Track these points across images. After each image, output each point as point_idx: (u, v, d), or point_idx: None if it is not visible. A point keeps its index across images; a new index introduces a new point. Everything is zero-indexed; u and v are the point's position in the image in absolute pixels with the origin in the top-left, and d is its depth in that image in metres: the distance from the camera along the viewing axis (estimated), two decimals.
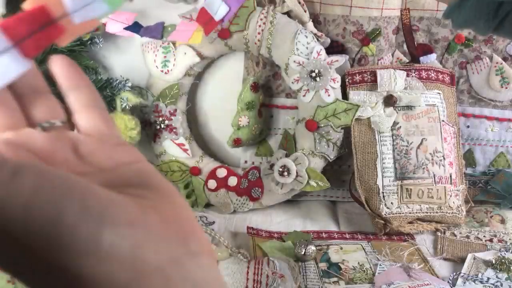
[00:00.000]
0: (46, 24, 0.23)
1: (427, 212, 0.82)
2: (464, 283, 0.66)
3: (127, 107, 0.81)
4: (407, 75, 0.86)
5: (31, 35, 0.22)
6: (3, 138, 0.24)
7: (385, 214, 0.82)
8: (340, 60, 0.85)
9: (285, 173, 0.86)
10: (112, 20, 0.78)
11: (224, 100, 0.96)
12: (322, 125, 0.85)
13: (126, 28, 0.78)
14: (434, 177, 0.82)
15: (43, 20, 0.23)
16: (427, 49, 0.91)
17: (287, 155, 0.88)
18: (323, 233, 0.84)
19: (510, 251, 0.72)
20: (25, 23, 0.22)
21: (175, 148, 0.91)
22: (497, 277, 0.67)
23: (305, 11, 0.86)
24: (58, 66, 0.27)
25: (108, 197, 0.20)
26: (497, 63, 0.91)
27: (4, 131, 0.24)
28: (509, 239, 0.78)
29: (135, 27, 0.79)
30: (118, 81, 0.85)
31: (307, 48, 0.84)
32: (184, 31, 0.74)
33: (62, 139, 0.25)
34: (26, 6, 0.23)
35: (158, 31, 0.78)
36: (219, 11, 0.57)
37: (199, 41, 0.70)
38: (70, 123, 0.27)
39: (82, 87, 0.27)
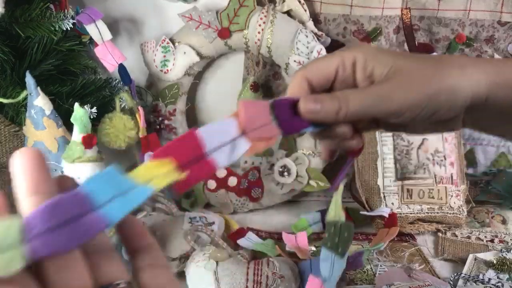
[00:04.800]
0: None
1: (428, 213, 0.81)
2: (465, 283, 0.66)
3: (126, 107, 0.81)
4: None
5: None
6: None
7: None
8: None
9: (285, 173, 0.86)
10: (104, 49, 0.78)
11: (224, 100, 0.96)
12: None
13: (119, 72, 0.81)
14: (435, 177, 0.81)
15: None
16: (428, 49, 0.90)
17: (287, 155, 0.88)
18: (323, 234, 0.84)
19: (511, 251, 0.72)
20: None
21: None
22: (498, 277, 0.67)
23: (305, 10, 0.86)
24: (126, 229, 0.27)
25: None
26: None
27: None
28: (510, 239, 0.77)
29: (123, 73, 0.80)
30: (117, 81, 0.84)
31: (307, 47, 0.83)
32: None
33: None
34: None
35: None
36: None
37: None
38: (136, 284, 0.26)
39: (149, 246, 0.27)
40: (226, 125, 0.31)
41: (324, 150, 0.42)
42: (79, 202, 0.23)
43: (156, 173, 0.27)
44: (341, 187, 0.45)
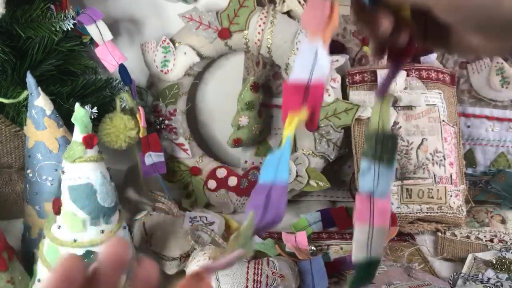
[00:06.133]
0: None
1: (427, 212, 0.82)
2: (465, 283, 0.66)
3: (127, 107, 0.81)
4: (408, 75, 0.86)
5: None
6: None
7: None
8: (340, 60, 0.84)
9: None
10: (104, 49, 0.78)
11: (224, 100, 0.96)
12: (322, 125, 0.85)
13: (120, 72, 0.80)
14: (434, 177, 0.82)
15: None
16: (427, 49, 0.91)
17: None
18: (323, 233, 0.84)
19: (511, 251, 0.72)
20: None
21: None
22: (497, 277, 0.67)
23: None
24: None
25: None
26: (497, 62, 0.91)
27: None
28: (510, 239, 0.77)
29: (124, 73, 0.80)
30: (118, 81, 0.85)
31: None
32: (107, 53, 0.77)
33: None
34: None
35: None
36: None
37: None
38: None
39: None
40: (303, 48, 0.35)
41: (372, 48, 0.42)
42: (262, 188, 0.32)
43: (290, 126, 0.34)
44: (389, 96, 0.43)
